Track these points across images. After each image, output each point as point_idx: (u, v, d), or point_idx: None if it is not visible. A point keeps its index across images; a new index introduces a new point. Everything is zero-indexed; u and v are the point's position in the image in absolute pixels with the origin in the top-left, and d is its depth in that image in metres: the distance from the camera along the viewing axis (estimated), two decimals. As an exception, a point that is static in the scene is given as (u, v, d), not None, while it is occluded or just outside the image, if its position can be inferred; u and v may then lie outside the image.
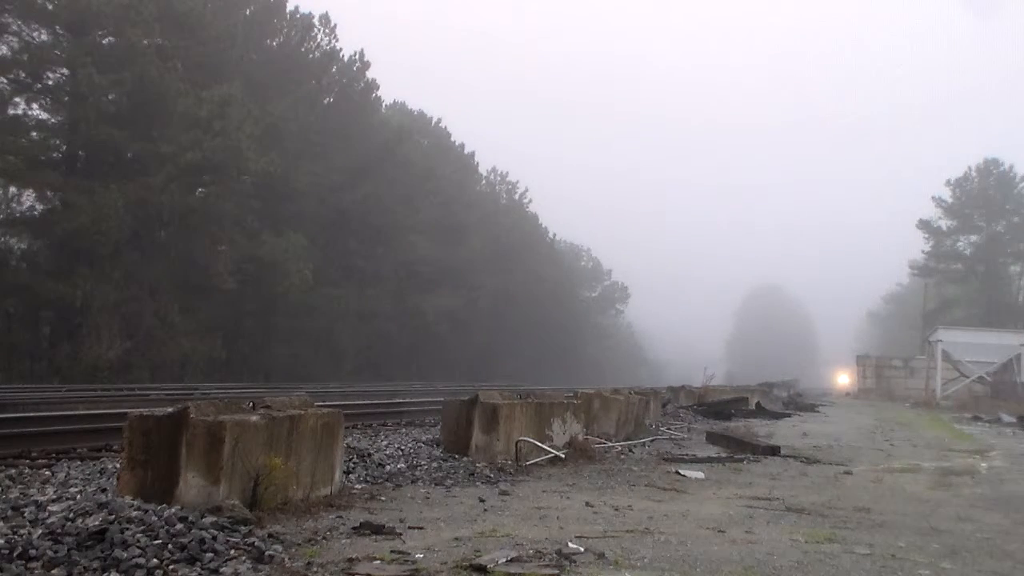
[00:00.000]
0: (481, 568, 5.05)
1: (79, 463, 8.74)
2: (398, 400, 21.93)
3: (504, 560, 5.24)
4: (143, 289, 37.33)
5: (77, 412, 12.70)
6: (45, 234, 38.07)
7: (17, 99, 37.79)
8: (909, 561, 5.83)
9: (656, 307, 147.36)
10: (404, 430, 13.85)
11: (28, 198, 39.85)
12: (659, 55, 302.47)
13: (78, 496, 6.43)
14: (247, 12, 48.84)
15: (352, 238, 52.69)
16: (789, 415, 25.72)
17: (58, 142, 39.07)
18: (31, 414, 12.50)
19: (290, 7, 51.92)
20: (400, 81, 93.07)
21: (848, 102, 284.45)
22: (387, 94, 64.43)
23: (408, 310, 57.95)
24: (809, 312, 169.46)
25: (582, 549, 5.63)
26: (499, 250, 74.99)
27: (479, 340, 69.70)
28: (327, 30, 53.23)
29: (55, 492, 6.72)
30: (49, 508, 5.78)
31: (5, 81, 36.90)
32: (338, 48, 54.39)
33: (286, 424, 7.10)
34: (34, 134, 38.54)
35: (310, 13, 52.90)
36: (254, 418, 6.79)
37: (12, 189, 39.27)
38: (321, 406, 8.52)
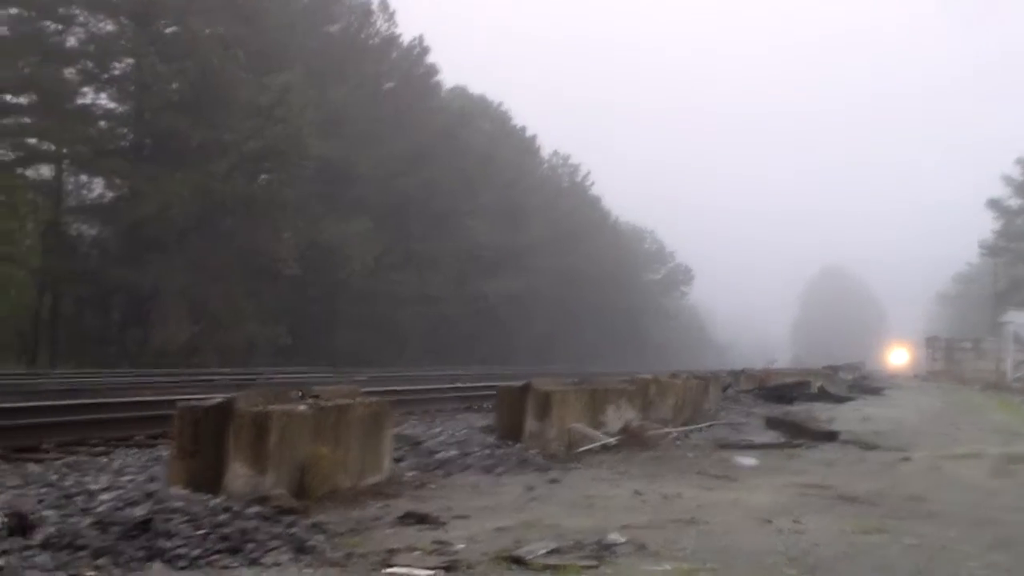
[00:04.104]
0: (519, 560, 5.03)
1: (136, 451, 8.89)
2: (457, 385, 21.97)
3: (543, 551, 5.22)
4: (209, 275, 37.89)
5: (137, 399, 12.92)
6: (114, 221, 38.89)
7: (85, 89, 38.65)
8: (959, 552, 5.71)
9: (722, 290, 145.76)
10: (461, 416, 13.90)
11: (97, 185, 40.77)
12: (728, 43, 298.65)
13: (129, 485, 6.54)
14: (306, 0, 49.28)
15: (413, 223, 52.91)
16: (853, 399, 25.29)
17: (125, 131, 39.86)
18: (93, 400, 12.73)
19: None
20: (462, 64, 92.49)
21: (916, 80, 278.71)
22: (450, 78, 64.56)
23: (470, 294, 58.14)
24: (877, 294, 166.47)
25: (623, 540, 5.59)
26: (560, 233, 74.85)
27: (541, 323, 69.70)
28: (386, 16, 53.61)
29: (108, 480, 6.84)
30: (99, 497, 5.89)
31: (73, 71, 37.70)
32: (397, 34, 54.84)
33: (333, 414, 7.16)
34: (102, 123, 39.40)
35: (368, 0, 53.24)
36: (301, 408, 6.86)
37: (83, 177, 40.18)
38: (370, 393, 8.59)
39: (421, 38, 56.17)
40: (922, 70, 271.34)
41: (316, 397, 7.40)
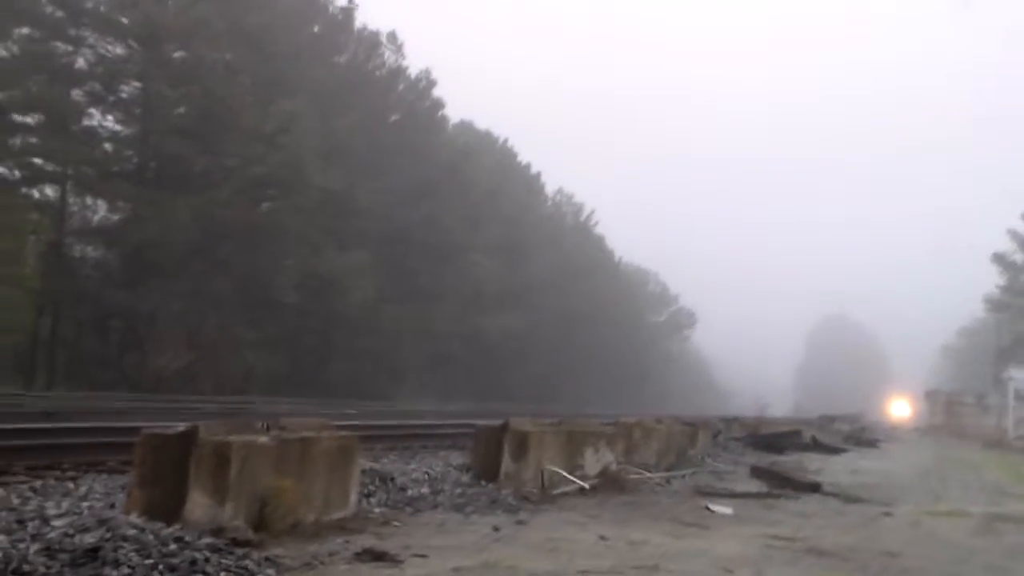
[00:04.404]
0: (467, 603, 4.98)
1: (106, 476, 8.79)
2: (447, 421, 21.84)
3: (494, 595, 5.17)
4: (207, 301, 37.85)
5: (115, 424, 12.80)
6: (116, 244, 38.95)
7: (92, 110, 38.87)
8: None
9: (727, 336, 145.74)
10: (444, 453, 13.79)
11: (101, 208, 40.88)
12: (732, 96, 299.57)
13: (87, 511, 6.47)
14: (315, 29, 49.59)
15: (415, 256, 52.83)
16: (846, 450, 25.15)
17: (130, 153, 40.02)
18: (71, 424, 12.65)
19: (357, 24, 52.74)
20: (469, 99, 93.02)
21: (924, 132, 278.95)
22: (455, 113, 64.89)
23: (470, 330, 57.93)
24: (883, 344, 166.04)
25: (577, 586, 5.52)
26: (564, 271, 74.83)
27: (542, 362, 69.46)
28: (394, 47, 54.07)
29: (68, 506, 6.76)
30: (52, 523, 5.82)
31: (81, 93, 37.93)
32: (405, 66, 55.25)
33: (297, 446, 7.10)
34: (107, 145, 39.55)
35: (377, 31, 53.72)
36: (263, 439, 6.80)
37: (87, 199, 40.28)
38: (356, 426, 8.54)
39: (428, 71, 56.50)
40: (930, 120, 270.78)
41: (282, 429, 7.34)
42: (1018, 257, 78.26)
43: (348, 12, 51.86)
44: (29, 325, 35.52)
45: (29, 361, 35.29)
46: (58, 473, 8.91)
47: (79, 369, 37.18)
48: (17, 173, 36.02)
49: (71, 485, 8.14)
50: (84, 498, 7.37)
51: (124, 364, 37.37)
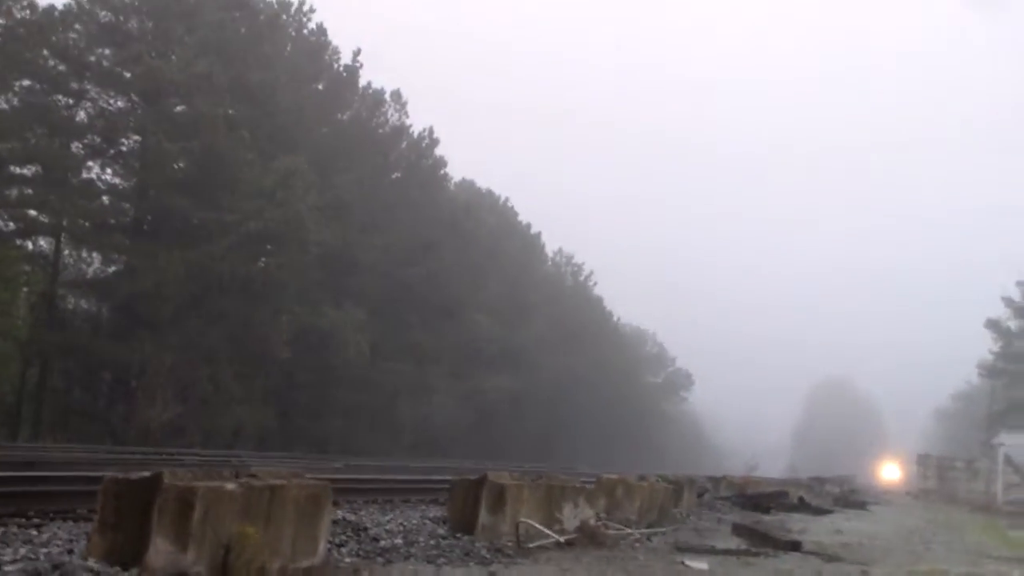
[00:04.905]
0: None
1: (71, 524, 8.70)
2: (435, 477, 21.67)
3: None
4: (199, 355, 37.69)
5: (88, 474, 12.67)
6: (108, 296, 38.90)
7: (91, 163, 39.08)
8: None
9: (725, 397, 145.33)
10: (424, 507, 13.71)
11: (95, 260, 40.94)
12: (732, 142, 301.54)
13: (43, 558, 6.40)
14: (319, 86, 50.03)
15: (413, 313, 52.69)
16: (832, 511, 24.97)
17: (127, 206, 40.13)
18: (41, 473, 12.56)
19: (362, 82, 53.23)
20: (469, 159, 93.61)
21: (919, 198, 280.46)
22: (456, 171, 65.11)
23: (469, 388, 57.61)
24: (878, 407, 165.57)
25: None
26: (563, 332, 74.51)
27: (540, 421, 68.92)
28: (397, 105, 54.39)
29: (25, 552, 6.68)
30: (5, 568, 5.76)
31: (80, 146, 38.14)
32: (408, 124, 55.48)
33: (265, 494, 7.03)
34: (105, 198, 39.68)
35: (381, 88, 54.17)
36: (230, 486, 6.74)
37: (83, 252, 40.35)
38: (313, 478, 8.49)
39: (431, 129, 56.70)
40: (931, 183, 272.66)
41: (252, 476, 7.29)
42: (1012, 323, 78.16)
43: (353, 70, 52.36)
44: (16, 377, 35.34)
45: (15, 412, 35.09)
46: (22, 521, 8.80)
47: (65, 421, 37.00)
48: (11, 224, 36.08)
49: (34, 532, 8.05)
50: (45, 545, 7.29)
51: (112, 416, 37.22)
